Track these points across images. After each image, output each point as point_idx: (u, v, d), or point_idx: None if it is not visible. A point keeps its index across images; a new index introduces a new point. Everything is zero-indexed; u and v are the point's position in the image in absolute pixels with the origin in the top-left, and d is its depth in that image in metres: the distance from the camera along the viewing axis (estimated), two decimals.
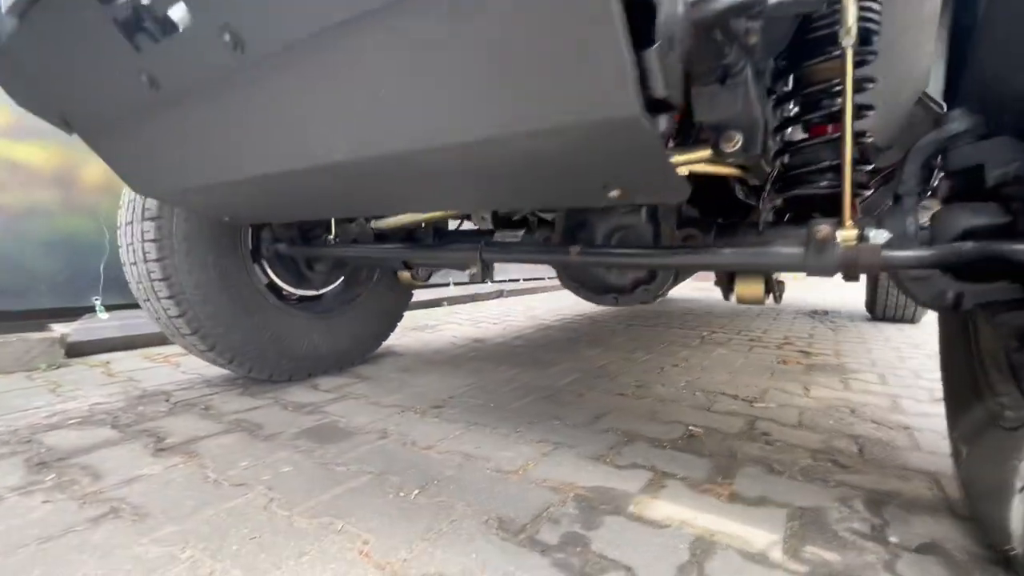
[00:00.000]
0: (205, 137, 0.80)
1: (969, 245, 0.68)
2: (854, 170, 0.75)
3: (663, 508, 0.86)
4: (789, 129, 0.92)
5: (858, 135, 0.83)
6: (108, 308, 2.32)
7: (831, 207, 0.86)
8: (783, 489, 0.94)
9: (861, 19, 0.74)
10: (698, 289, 6.03)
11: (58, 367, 1.83)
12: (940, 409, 1.45)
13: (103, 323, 2.22)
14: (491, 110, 0.54)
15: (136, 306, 2.35)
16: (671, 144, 0.85)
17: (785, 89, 0.90)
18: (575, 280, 1.23)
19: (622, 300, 1.13)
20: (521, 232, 1.25)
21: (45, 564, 0.69)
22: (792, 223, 0.97)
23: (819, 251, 0.75)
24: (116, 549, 0.72)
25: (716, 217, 1.04)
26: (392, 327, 2.10)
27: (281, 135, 0.71)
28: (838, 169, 0.82)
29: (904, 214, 0.76)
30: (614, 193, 0.68)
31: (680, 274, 1.18)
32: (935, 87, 0.94)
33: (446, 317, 3.41)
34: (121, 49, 0.67)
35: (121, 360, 1.95)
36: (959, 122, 0.74)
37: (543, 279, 6.13)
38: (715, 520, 0.83)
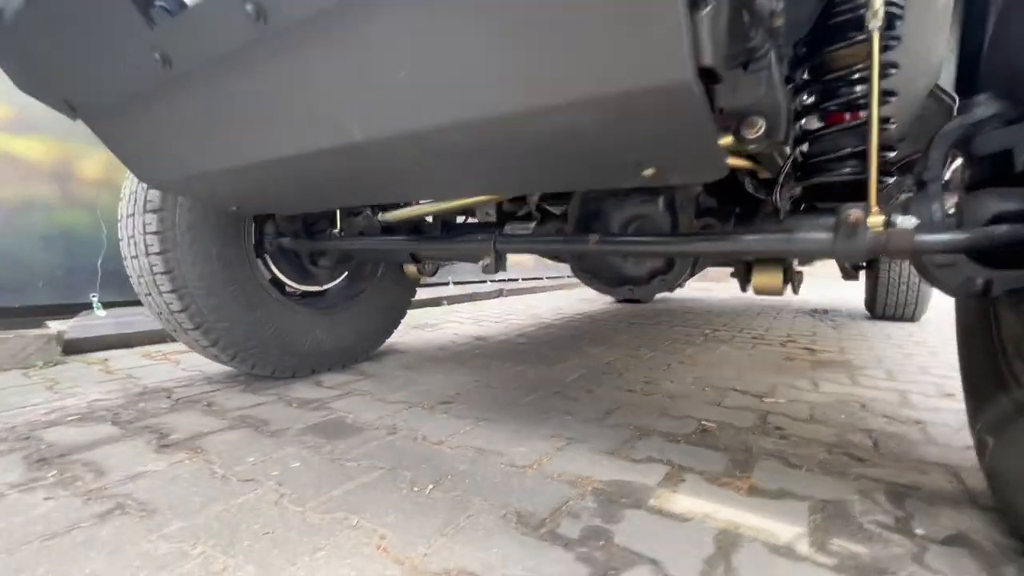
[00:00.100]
0: (217, 119, 0.77)
1: (1003, 228, 0.67)
2: (879, 157, 0.74)
3: (684, 501, 0.85)
4: (804, 120, 0.91)
5: (883, 121, 0.82)
6: (105, 305, 2.28)
7: (852, 195, 0.85)
8: (802, 482, 0.93)
9: (886, 3, 0.73)
10: (698, 289, 6.04)
11: (55, 364, 1.79)
12: (950, 404, 1.45)
13: (100, 320, 2.19)
14: (525, 80, 0.51)
15: (134, 303, 2.32)
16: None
17: (804, 77, 0.89)
18: (589, 271, 1.20)
19: (638, 291, 1.11)
20: (532, 224, 1.23)
21: (50, 561, 0.66)
22: (809, 212, 0.96)
23: (849, 236, 0.74)
24: (125, 545, 0.70)
25: (732, 208, 1.03)
26: (396, 323, 2.08)
27: (298, 114, 0.68)
28: (861, 156, 0.81)
29: (930, 200, 0.75)
30: (648, 172, 0.65)
31: (698, 264, 1.16)
32: (946, 79, 0.94)
33: (446, 316, 3.39)
34: (135, 24, 0.65)
35: (119, 357, 1.91)
36: (985, 107, 0.73)
37: (542, 279, 6.12)
38: (737, 513, 0.81)
